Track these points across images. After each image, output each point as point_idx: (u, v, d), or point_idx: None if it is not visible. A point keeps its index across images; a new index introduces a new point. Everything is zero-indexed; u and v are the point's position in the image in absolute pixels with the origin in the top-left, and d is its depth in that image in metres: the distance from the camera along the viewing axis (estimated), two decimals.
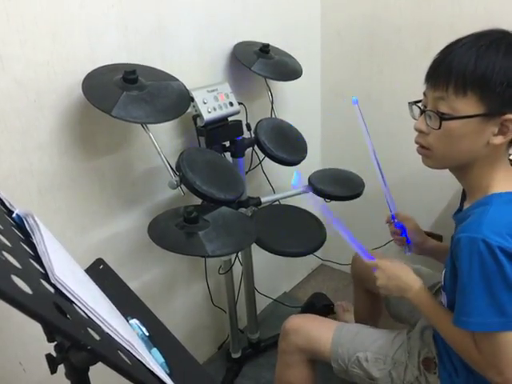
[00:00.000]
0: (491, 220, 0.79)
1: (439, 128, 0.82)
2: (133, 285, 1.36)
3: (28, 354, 1.16)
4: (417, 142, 0.90)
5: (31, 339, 1.13)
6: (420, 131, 0.88)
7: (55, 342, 0.59)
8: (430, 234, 1.24)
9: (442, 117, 0.81)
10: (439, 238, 1.69)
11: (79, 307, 0.52)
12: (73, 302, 0.51)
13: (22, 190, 1.06)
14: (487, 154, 0.83)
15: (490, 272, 0.76)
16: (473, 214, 0.84)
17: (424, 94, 0.88)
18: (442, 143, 0.84)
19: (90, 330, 0.49)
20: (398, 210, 1.18)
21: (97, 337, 0.49)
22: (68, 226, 1.18)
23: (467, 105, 0.79)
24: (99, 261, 0.92)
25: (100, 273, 0.87)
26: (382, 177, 1.16)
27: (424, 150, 0.89)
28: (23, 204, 1.07)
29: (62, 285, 0.51)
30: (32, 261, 0.53)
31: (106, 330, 0.54)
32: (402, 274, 1.00)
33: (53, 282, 0.50)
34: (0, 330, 1.11)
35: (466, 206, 0.92)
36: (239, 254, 1.61)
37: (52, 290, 0.50)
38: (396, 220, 1.16)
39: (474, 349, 0.84)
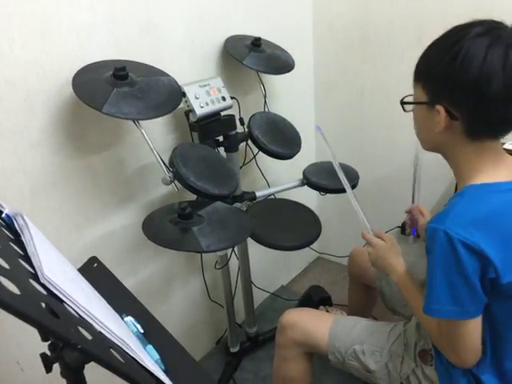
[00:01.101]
0: (458, 212, 0.81)
1: (404, 110, 0.93)
2: (129, 282, 1.38)
3: (25, 353, 1.16)
4: None
5: (28, 338, 1.12)
6: None
7: (49, 341, 0.59)
8: None
9: (402, 100, 0.92)
10: None
11: (70, 306, 0.52)
12: (63, 302, 0.51)
13: (14, 189, 1.06)
14: (450, 142, 0.86)
15: (448, 263, 0.79)
16: (448, 203, 0.86)
17: None
18: (415, 126, 0.94)
19: (81, 329, 0.49)
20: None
21: (88, 336, 0.49)
22: (62, 225, 1.18)
23: (419, 93, 0.87)
24: (93, 259, 0.91)
25: (94, 271, 0.87)
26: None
27: None
28: (16, 204, 1.06)
29: (52, 284, 0.50)
30: (21, 261, 0.53)
31: (99, 328, 0.54)
32: (390, 256, 1.05)
33: (42, 281, 0.50)
34: None
35: None
36: (235, 248, 1.61)
37: (42, 289, 0.50)
38: (413, 212, 1.26)
39: (438, 333, 0.89)
